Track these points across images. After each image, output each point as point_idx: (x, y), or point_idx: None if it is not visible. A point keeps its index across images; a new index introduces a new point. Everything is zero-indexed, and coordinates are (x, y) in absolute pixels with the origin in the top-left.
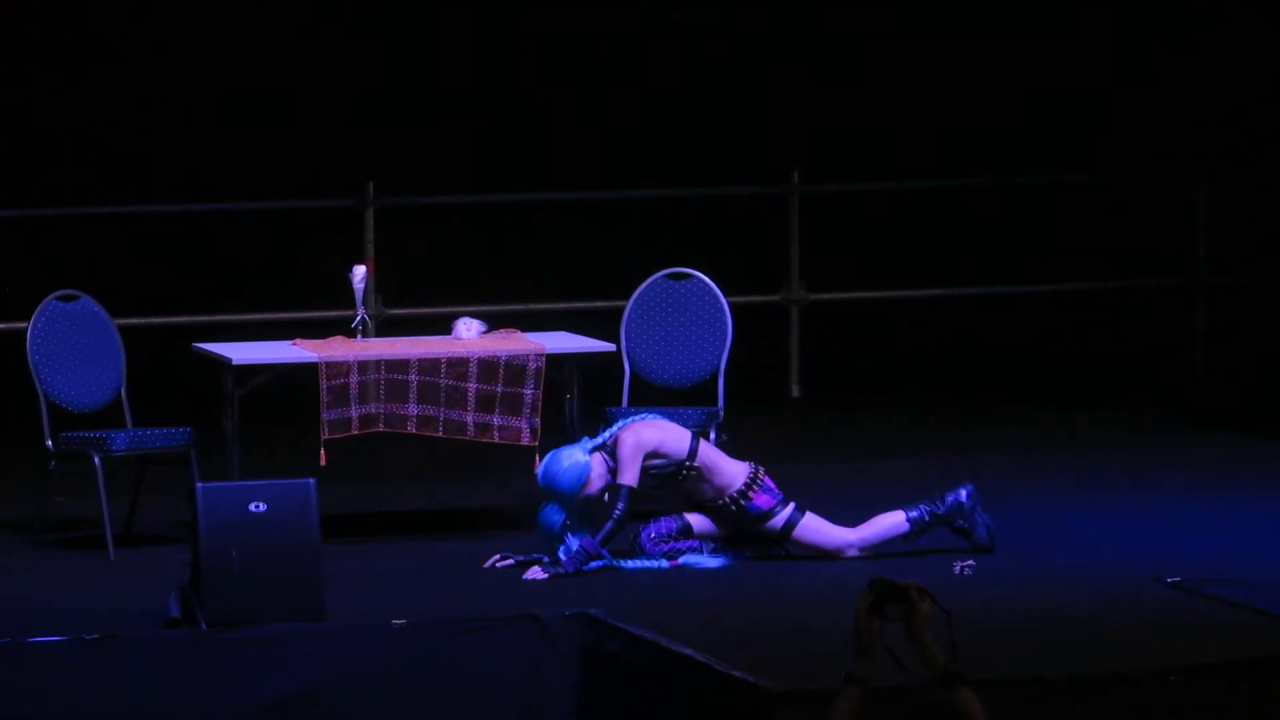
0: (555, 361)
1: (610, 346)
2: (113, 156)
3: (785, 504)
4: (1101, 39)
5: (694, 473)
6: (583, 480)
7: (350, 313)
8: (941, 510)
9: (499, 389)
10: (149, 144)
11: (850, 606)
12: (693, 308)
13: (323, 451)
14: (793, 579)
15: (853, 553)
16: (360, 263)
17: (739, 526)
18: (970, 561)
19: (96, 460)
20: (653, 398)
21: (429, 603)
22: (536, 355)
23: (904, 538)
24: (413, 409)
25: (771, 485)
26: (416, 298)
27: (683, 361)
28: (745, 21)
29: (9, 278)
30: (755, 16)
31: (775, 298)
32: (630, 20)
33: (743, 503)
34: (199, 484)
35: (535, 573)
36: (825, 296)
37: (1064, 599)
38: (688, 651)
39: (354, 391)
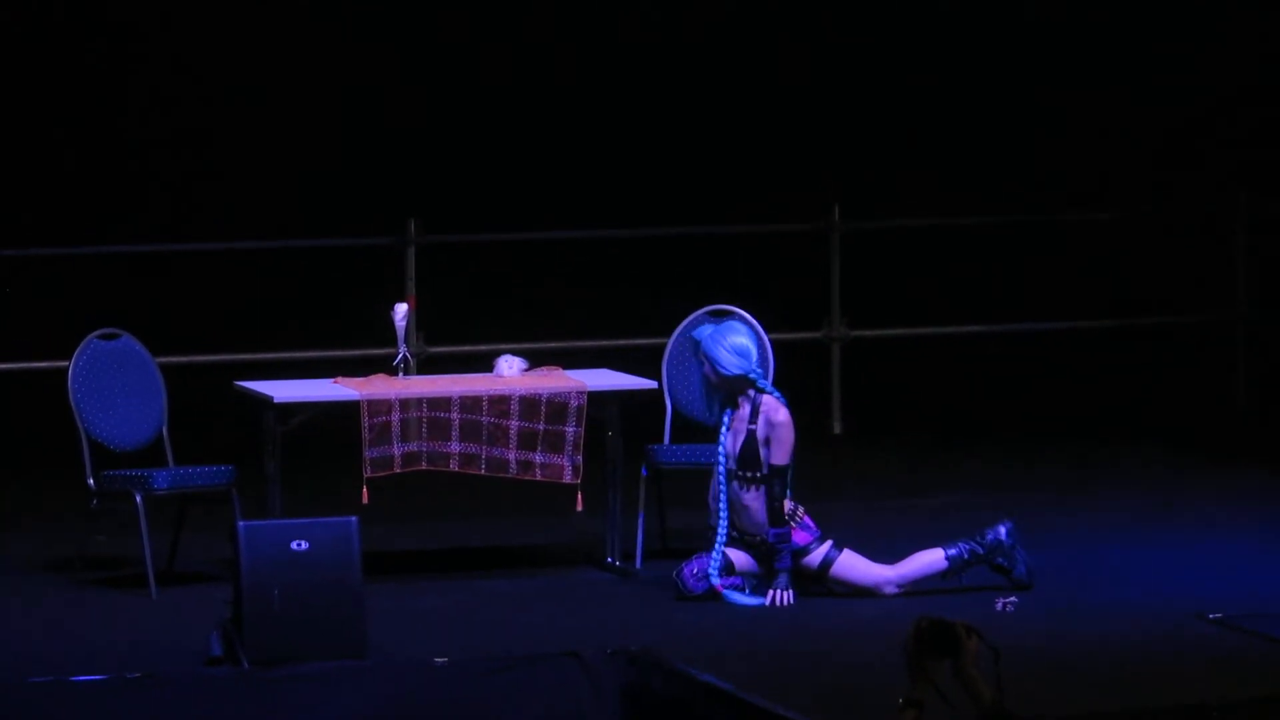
0: (597, 399)
1: (652, 384)
2: (153, 194)
3: (822, 541)
4: (1144, 75)
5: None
6: (726, 366)
7: (392, 351)
8: (981, 549)
9: (541, 426)
10: (190, 182)
11: (895, 642)
12: None
13: (365, 490)
14: (835, 617)
15: (891, 589)
16: (402, 301)
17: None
18: (1012, 599)
19: (138, 499)
20: (695, 434)
21: (470, 641)
22: (578, 393)
23: (942, 575)
24: (455, 447)
25: (810, 523)
26: (458, 336)
27: None
28: (788, 60)
29: (50, 315)
30: (798, 53)
31: (817, 334)
32: (671, 60)
33: (778, 543)
34: (241, 522)
35: (777, 596)
36: (867, 333)
37: (1106, 635)
38: (731, 689)
39: (396, 430)
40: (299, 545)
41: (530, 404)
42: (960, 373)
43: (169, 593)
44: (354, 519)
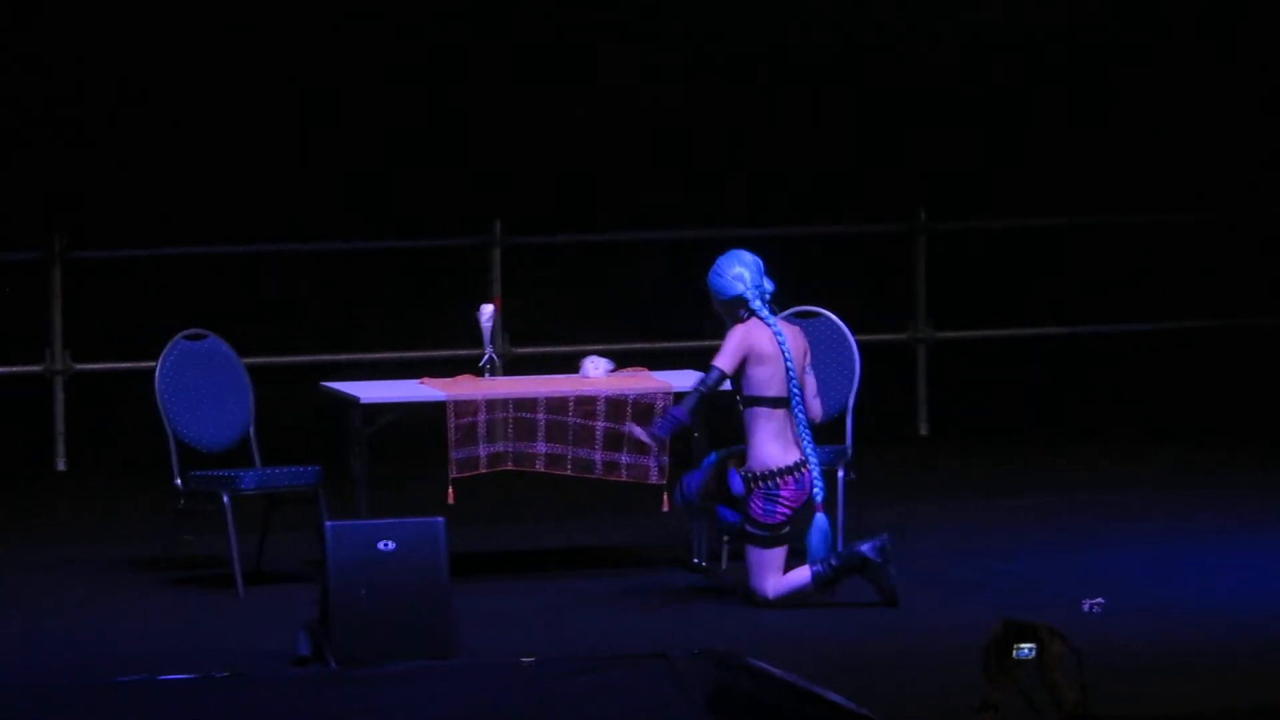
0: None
1: None
2: (242, 195)
3: (776, 527)
4: (1237, 75)
5: (743, 410)
6: (724, 290)
7: (477, 352)
8: (842, 564)
9: (627, 428)
10: (278, 183)
11: (979, 644)
12: (821, 346)
13: (450, 490)
14: (919, 618)
15: (763, 597)
16: (487, 302)
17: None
18: (1099, 600)
19: (225, 499)
20: None
21: (557, 640)
22: (664, 394)
23: (809, 591)
24: (541, 447)
25: (787, 497)
26: (543, 337)
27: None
28: (872, 62)
29: (138, 316)
30: (883, 58)
31: (903, 336)
32: (753, 58)
33: (755, 489)
34: (328, 522)
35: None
36: (952, 335)
37: (1188, 637)
38: (816, 690)
39: (482, 430)
40: (386, 545)
41: (616, 405)
42: (1047, 374)
43: (256, 592)
44: (441, 519)
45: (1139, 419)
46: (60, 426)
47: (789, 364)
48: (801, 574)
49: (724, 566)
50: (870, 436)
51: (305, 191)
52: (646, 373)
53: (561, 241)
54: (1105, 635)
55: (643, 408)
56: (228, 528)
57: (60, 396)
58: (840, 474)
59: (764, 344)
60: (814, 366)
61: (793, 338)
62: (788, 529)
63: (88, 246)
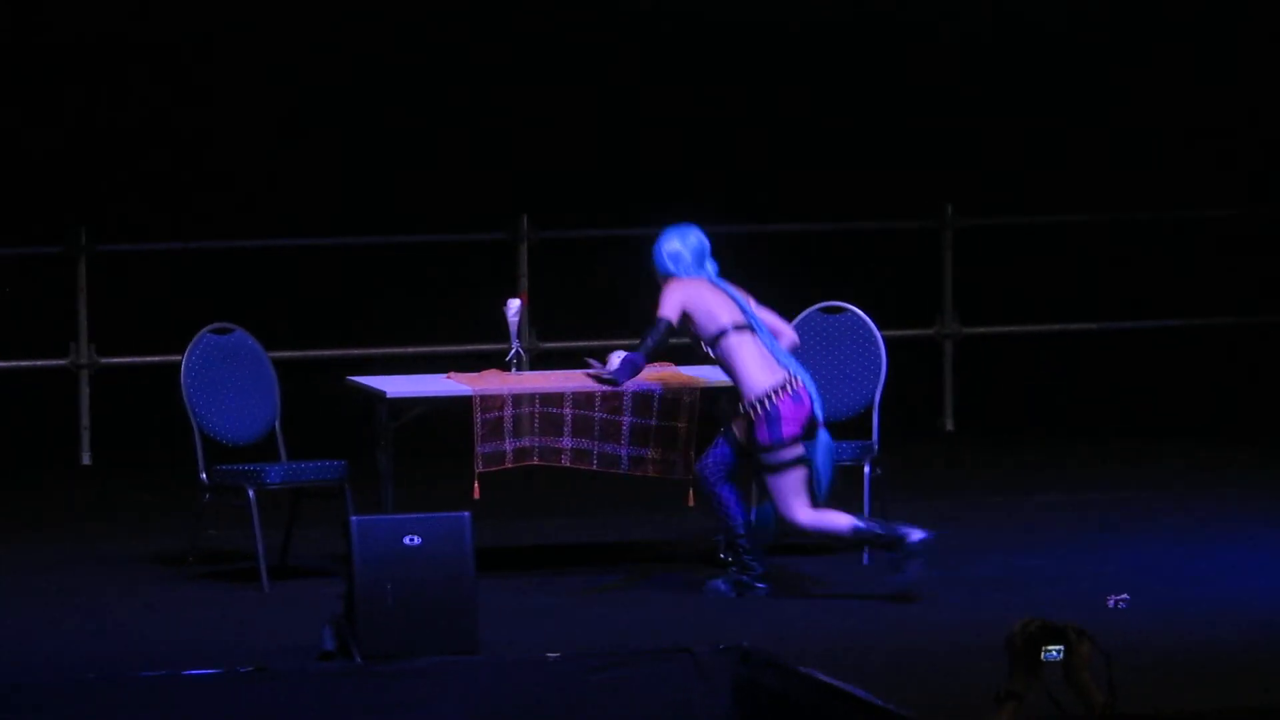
0: (710, 395)
1: None
2: (268, 189)
3: (786, 447)
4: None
5: (716, 356)
6: (659, 265)
7: (504, 346)
8: (883, 533)
9: (653, 423)
10: (302, 177)
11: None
12: (847, 341)
13: (476, 485)
14: (945, 613)
15: (797, 524)
16: (514, 296)
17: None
18: (1124, 596)
19: (250, 493)
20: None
21: (582, 636)
22: (691, 389)
23: (841, 539)
24: (567, 442)
25: (788, 415)
26: (571, 331)
27: (837, 395)
28: (916, 61)
29: (163, 309)
30: (919, 51)
31: (929, 331)
32: (783, 55)
33: (756, 418)
34: (353, 517)
35: (594, 363)
36: (979, 330)
37: (1210, 634)
38: (842, 685)
39: (508, 425)
40: (412, 540)
41: (643, 400)
42: (1073, 370)
43: (281, 587)
44: (467, 514)
45: (1164, 415)
46: (85, 420)
47: (733, 295)
48: (841, 521)
49: None
50: (896, 431)
51: (333, 185)
52: (673, 368)
53: (589, 236)
54: (1128, 632)
55: (669, 403)
56: (253, 522)
57: (86, 390)
58: (866, 469)
59: (701, 288)
60: (840, 362)
61: (734, 287)
62: (800, 449)
63: (113, 240)
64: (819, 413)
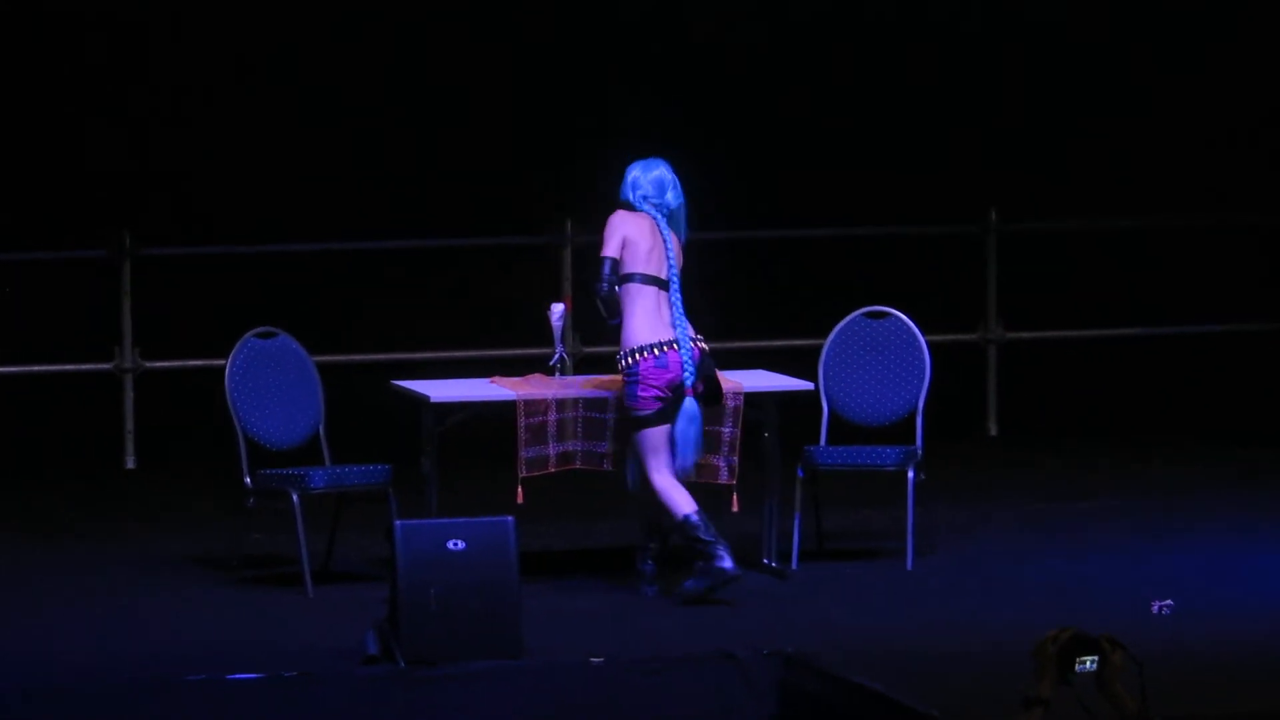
0: (753, 400)
1: (808, 385)
2: (312, 192)
3: (642, 404)
4: None
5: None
6: (621, 190)
7: (548, 350)
8: (706, 540)
9: None
10: (349, 180)
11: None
12: (891, 346)
13: (520, 489)
14: (989, 618)
15: (652, 478)
16: (558, 300)
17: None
18: (1169, 602)
19: (295, 498)
20: (851, 436)
21: (626, 641)
22: (734, 393)
23: (671, 520)
24: (609, 447)
25: (646, 375)
26: (615, 335)
27: (881, 400)
28: (955, 62)
29: (207, 313)
30: (957, 53)
31: (973, 336)
32: (835, 57)
33: (620, 368)
34: (397, 521)
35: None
36: (1023, 335)
37: (1251, 638)
38: (885, 691)
39: (552, 429)
40: (456, 545)
41: None
42: (1118, 376)
43: (325, 591)
44: (511, 519)
45: (1212, 419)
46: (130, 424)
47: (668, 249)
48: (683, 503)
49: (794, 567)
50: (940, 437)
51: (377, 188)
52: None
53: None
54: (1170, 637)
55: (713, 408)
56: (297, 526)
57: (130, 394)
58: (910, 475)
59: (642, 227)
60: (884, 367)
61: (674, 239)
62: (658, 409)
63: (157, 243)
64: (688, 380)
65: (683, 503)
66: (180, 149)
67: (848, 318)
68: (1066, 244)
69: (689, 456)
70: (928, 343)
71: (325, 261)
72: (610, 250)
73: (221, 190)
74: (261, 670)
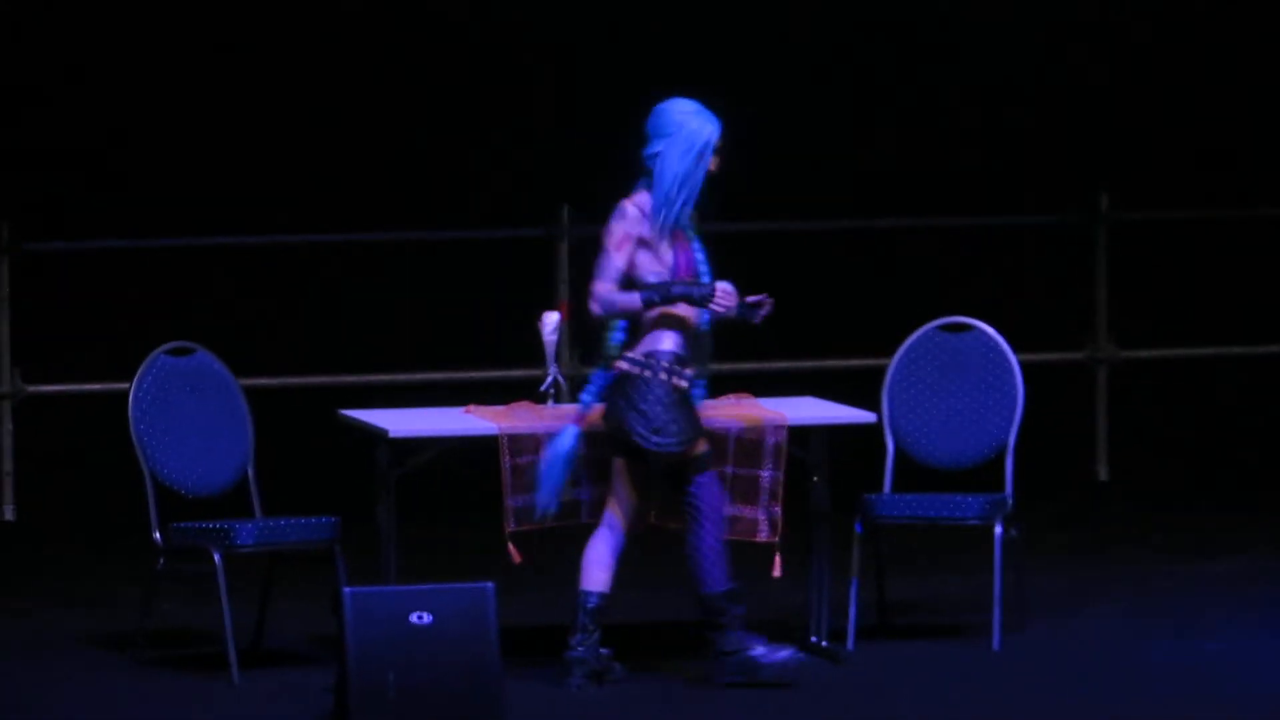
0: (799, 435)
1: (870, 416)
2: (244, 175)
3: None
4: None
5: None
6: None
7: (539, 372)
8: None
9: (729, 470)
10: (284, 159)
11: None
12: (974, 367)
13: (512, 547)
14: (1106, 706)
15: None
16: (552, 309)
17: None
18: None
19: (217, 558)
20: (923, 482)
21: None
22: (776, 428)
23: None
24: None
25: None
26: None
27: (961, 436)
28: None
29: (107, 324)
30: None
31: (1078, 355)
32: (883, 35)
33: None
34: (346, 588)
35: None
36: (1141, 354)
37: None
38: None
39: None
40: (420, 618)
41: (716, 442)
42: (1258, 405)
43: (255, 676)
44: (490, 585)
45: None
46: (8, 465)
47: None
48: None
49: (850, 648)
50: (1035, 482)
51: (324, 167)
52: (754, 400)
53: None
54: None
55: (749, 446)
56: (220, 594)
57: (8, 427)
58: (998, 529)
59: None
60: (965, 393)
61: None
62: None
63: (42, 237)
64: (582, 399)
65: (594, 557)
66: (72, 126)
67: (919, 331)
68: (1196, 241)
69: (545, 487)
70: (1020, 363)
71: (255, 259)
72: (618, 259)
73: (124, 173)
74: None
